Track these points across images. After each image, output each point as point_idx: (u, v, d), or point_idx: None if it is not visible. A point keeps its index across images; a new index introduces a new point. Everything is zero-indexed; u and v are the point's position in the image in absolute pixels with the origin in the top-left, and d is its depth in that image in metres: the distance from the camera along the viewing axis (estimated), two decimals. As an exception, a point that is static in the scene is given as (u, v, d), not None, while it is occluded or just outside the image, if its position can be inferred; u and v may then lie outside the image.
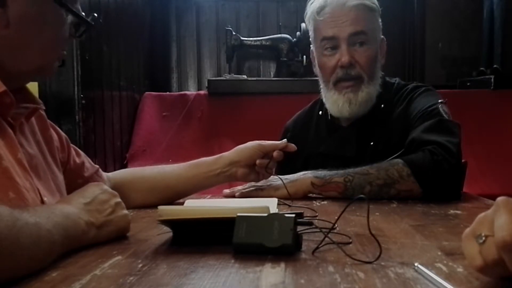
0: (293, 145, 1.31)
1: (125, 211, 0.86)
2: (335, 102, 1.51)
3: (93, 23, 0.96)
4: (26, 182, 0.83)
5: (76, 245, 0.74)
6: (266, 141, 1.30)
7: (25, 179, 0.83)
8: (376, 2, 1.53)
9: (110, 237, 0.81)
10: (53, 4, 0.88)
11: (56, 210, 0.72)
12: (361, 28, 1.47)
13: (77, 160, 1.11)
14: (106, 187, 0.88)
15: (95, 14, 0.97)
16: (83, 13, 0.94)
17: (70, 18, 0.92)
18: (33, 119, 0.96)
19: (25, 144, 0.90)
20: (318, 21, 1.51)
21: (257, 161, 1.28)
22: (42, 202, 0.85)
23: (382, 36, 1.56)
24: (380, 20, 1.54)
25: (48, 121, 1.04)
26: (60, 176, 1.01)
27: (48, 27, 0.89)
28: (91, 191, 0.84)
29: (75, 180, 1.07)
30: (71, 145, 1.11)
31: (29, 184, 0.84)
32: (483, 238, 0.52)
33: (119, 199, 0.86)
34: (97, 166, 1.18)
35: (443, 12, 3.06)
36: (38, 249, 0.63)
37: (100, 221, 0.80)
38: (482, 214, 0.54)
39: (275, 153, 1.28)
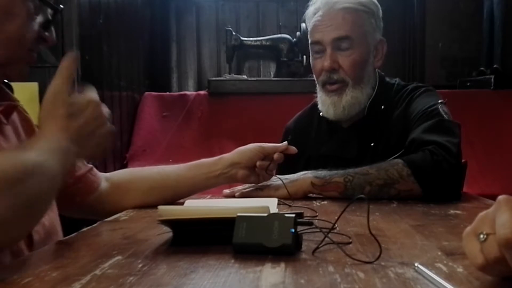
0: (293, 147, 1.31)
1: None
2: (323, 102, 1.53)
3: (59, 8, 0.93)
4: None
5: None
6: (267, 143, 1.30)
7: None
8: (372, 3, 1.52)
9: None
10: None
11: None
12: (345, 33, 1.47)
13: None
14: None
15: (62, 6, 0.94)
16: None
17: (40, 18, 0.89)
18: (16, 120, 0.94)
19: (5, 146, 0.88)
20: (310, 24, 1.53)
21: (258, 163, 1.28)
22: None
23: (380, 38, 1.54)
24: (375, 21, 1.52)
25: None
26: None
27: (14, 18, 0.85)
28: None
29: (65, 180, 1.04)
30: None
31: None
32: (485, 236, 0.51)
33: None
34: (91, 165, 1.16)
35: (443, 12, 3.06)
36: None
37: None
38: (483, 212, 0.54)
39: (275, 155, 1.28)
